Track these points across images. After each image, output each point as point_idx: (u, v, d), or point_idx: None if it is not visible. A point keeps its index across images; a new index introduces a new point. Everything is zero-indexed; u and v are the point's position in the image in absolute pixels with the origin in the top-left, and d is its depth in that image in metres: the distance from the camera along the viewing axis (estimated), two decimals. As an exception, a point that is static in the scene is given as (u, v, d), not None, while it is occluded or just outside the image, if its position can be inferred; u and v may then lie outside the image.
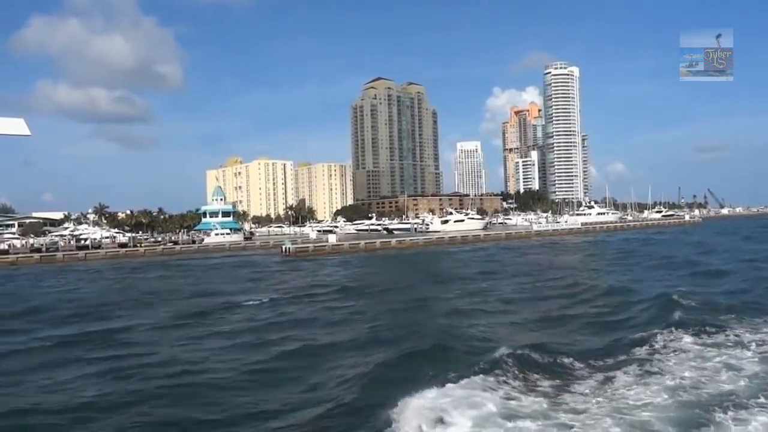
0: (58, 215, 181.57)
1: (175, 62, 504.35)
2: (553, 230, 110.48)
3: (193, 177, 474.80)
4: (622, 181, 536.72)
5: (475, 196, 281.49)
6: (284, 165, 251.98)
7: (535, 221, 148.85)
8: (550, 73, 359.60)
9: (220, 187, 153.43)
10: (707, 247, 61.23)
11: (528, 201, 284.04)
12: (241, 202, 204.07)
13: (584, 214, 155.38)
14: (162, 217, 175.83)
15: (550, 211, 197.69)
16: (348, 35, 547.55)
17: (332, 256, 65.19)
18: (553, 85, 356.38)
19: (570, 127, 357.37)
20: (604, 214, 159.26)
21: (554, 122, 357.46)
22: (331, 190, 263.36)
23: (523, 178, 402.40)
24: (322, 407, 13.05)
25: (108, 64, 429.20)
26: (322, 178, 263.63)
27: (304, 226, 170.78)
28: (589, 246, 75.59)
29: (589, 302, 27.32)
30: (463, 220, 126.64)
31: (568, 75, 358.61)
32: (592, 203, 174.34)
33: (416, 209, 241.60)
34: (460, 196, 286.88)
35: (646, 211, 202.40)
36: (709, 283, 32.19)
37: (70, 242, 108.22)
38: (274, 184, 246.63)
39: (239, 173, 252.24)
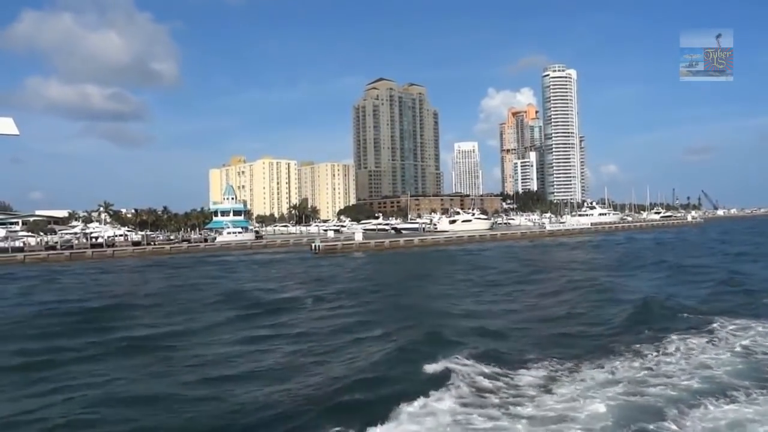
0: (62, 213, 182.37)
1: (170, 59, 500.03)
2: (565, 230, 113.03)
3: (189, 175, 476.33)
4: (614, 183, 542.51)
5: (476, 196, 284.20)
6: (288, 164, 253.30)
7: (544, 221, 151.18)
8: (548, 75, 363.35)
9: (232, 186, 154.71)
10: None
11: (527, 201, 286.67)
12: (244, 201, 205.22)
13: (586, 215, 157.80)
14: (166, 215, 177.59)
15: (550, 212, 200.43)
16: (343, 34, 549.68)
17: (357, 253, 67.36)
18: (551, 87, 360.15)
19: (568, 129, 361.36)
20: (605, 214, 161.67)
21: (553, 124, 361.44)
22: (334, 189, 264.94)
23: (522, 179, 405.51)
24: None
25: (101, 60, 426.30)
26: (325, 178, 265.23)
27: (310, 225, 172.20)
28: (616, 247, 73.00)
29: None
30: (470, 220, 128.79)
31: (566, 78, 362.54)
32: (594, 204, 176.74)
33: (418, 209, 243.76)
34: (461, 196, 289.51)
35: (644, 213, 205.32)
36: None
37: (81, 240, 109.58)
38: (278, 183, 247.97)
39: (243, 172, 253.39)
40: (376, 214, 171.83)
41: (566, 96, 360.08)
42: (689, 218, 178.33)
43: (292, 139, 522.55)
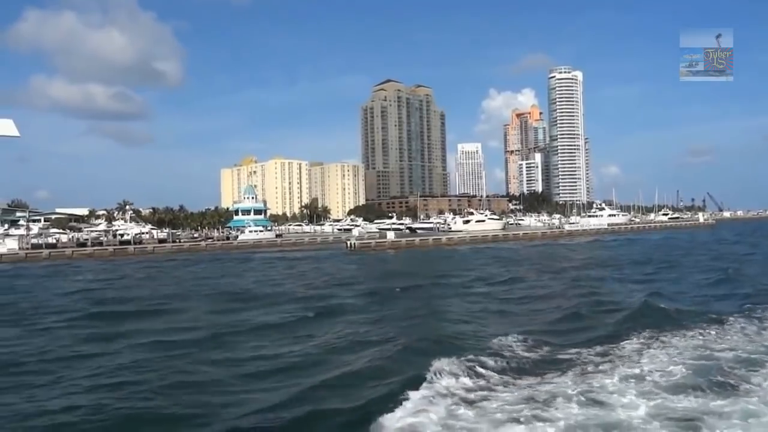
0: (83, 211, 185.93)
1: (174, 59, 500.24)
2: (583, 230, 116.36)
3: (191, 174, 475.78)
4: (616, 184, 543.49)
5: (483, 197, 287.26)
6: (300, 165, 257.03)
7: (555, 221, 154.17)
8: (554, 77, 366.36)
9: (252, 186, 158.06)
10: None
11: (533, 202, 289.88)
12: (264, 200, 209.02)
13: (596, 216, 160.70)
14: (182, 214, 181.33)
15: (559, 213, 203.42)
16: (343, 32, 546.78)
17: (390, 251, 70.78)
18: (557, 89, 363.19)
19: (574, 130, 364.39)
20: (614, 215, 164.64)
21: (558, 125, 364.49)
22: (344, 189, 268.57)
23: (527, 180, 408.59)
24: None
25: (105, 59, 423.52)
26: (335, 178, 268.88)
27: (323, 224, 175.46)
28: (650, 245, 73.46)
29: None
30: (483, 221, 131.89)
31: (572, 79, 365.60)
32: (603, 205, 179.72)
33: (426, 209, 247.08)
34: (468, 197, 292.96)
35: (651, 214, 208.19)
36: None
37: (109, 237, 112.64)
38: (289, 183, 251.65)
39: (254, 172, 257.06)
40: (390, 214, 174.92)
41: (572, 97, 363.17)
42: (701, 219, 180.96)
43: (292, 138, 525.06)
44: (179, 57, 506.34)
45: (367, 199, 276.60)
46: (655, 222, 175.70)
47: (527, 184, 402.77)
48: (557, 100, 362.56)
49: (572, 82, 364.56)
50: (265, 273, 48.14)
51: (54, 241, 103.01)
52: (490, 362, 14.58)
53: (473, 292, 31.71)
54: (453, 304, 26.76)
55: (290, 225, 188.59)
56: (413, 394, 11.73)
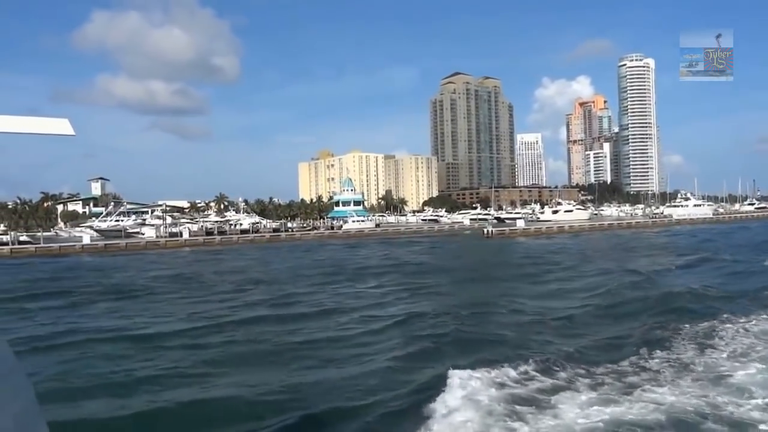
0: (182, 203, 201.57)
1: (231, 54, 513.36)
2: (691, 219, 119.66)
3: (251, 167, 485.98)
4: (679, 173, 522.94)
5: (554, 188, 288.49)
6: (376, 158, 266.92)
7: (638, 211, 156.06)
8: (625, 65, 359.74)
9: (350, 178, 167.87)
10: None
11: (603, 193, 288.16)
12: (334, 192, 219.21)
13: (681, 206, 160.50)
14: (272, 206, 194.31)
15: (631, 204, 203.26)
16: (389, 26, 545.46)
17: (521, 238, 77.97)
18: (628, 77, 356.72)
19: (645, 119, 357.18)
20: (700, 206, 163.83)
21: (629, 114, 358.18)
22: (418, 181, 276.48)
23: (594, 170, 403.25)
24: None
25: (166, 56, 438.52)
26: (409, 171, 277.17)
27: (405, 215, 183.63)
28: None
29: None
30: (571, 211, 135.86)
31: (643, 67, 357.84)
32: (688, 195, 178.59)
33: (498, 200, 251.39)
34: (539, 188, 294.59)
35: (736, 204, 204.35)
36: None
37: (229, 227, 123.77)
38: (366, 175, 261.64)
39: (332, 165, 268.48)
40: (474, 205, 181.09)
41: (643, 85, 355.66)
42: None
43: (341, 131, 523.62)
44: (236, 52, 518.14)
45: (439, 191, 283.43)
46: (742, 212, 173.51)
47: (595, 174, 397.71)
48: (628, 88, 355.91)
49: (644, 70, 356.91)
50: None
51: (186, 230, 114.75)
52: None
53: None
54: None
55: (375, 215, 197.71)
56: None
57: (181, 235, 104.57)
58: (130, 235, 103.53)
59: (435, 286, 31.18)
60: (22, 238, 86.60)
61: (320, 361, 15.65)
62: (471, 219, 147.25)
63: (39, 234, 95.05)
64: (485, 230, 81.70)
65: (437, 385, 11.87)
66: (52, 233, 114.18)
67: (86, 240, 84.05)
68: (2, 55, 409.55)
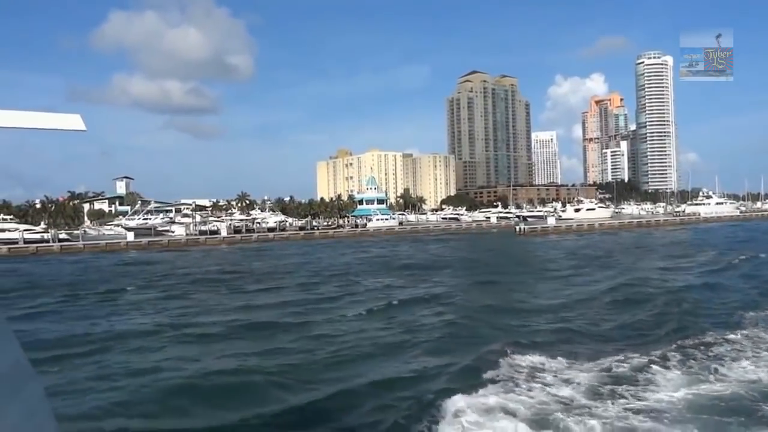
0: (203, 202, 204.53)
1: (246, 53, 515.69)
2: (718, 216, 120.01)
3: (265, 165, 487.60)
4: (696, 172, 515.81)
5: (572, 186, 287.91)
6: (395, 156, 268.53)
7: (659, 210, 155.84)
8: (643, 62, 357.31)
9: (374, 177, 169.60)
10: None
11: (621, 191, 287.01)
12: (353, 191, 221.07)
13: (702, 204, 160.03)
14: (292, 205, 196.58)
15: (650, 202, 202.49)
16: (402, 22, 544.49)
17: (552, 235, 79.20)
18: (646, 74, 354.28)
19: (664, 117, 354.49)
20: (722, 203, 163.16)
21: (647, 112, 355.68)
22: (436, 180, 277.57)
23: (611, 168, 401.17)
24: None
25: (181, 56, 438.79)
26: (427, 169, 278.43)
27: (424, 213, 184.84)
28: None
29: None
30: (594, 209, 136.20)
31: (662, 65, 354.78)
32: (710, 193, 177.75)
33: (516, 199, 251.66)
34: (556, 186, 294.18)
35: (758, 202, 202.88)
36: None
37: (255, 225, 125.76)
38: (385, 174, 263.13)
39: (350, 164, 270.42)
40: (495, 203, 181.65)
41: (662, 83, 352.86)
42: None
43: (354, 129, 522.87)
44: (251, 51, 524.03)
45: (456, 189, 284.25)
46: (765, 210, 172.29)
47: (612, 172, 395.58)
48: (646, 86, 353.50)
49: (662, 68, 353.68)
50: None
51: (215, 228, 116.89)
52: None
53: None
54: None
55: (396, 213, 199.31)
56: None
57: (219, 233, 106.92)
58: (160, 233, 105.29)
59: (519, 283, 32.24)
60: (61, 236, 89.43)
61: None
62: (500, 217, 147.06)
63: (76, 232, 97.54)
64: (518, 228, 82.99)
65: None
66: (80, 231, 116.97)
67: (130, 237, 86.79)
68: (21, 54, 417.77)
